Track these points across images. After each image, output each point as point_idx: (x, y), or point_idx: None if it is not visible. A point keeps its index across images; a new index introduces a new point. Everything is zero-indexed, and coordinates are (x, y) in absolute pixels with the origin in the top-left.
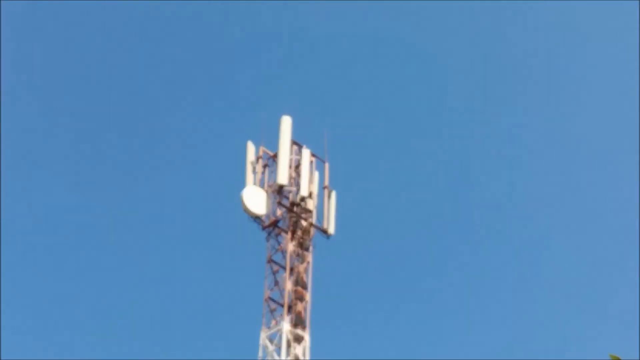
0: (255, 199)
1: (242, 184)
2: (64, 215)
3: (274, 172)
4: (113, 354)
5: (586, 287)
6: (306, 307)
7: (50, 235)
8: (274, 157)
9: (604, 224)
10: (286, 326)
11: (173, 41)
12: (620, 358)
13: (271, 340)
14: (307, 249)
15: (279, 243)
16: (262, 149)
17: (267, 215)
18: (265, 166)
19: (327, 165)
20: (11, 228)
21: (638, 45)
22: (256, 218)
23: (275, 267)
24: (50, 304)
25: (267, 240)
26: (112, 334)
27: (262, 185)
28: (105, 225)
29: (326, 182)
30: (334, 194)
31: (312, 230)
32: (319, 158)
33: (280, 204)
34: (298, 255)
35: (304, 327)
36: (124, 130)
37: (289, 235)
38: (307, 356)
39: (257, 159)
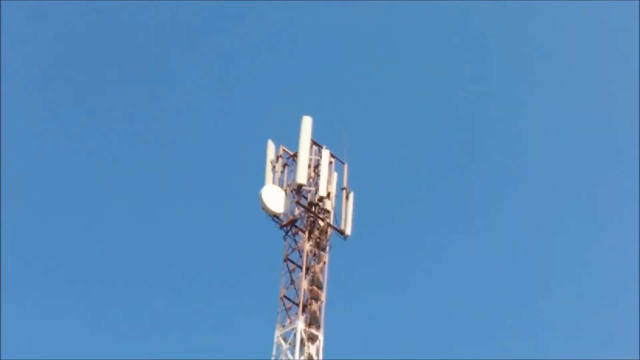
0: (274, 198)
1: (261, 183)
2: (71, 216)
3: (293, 172)
4: (123, 353)
5: (587, 286)
6: (321, 306)
7: (51, 234)
8: (294, 156)
9: (605, 222)
10: (301, 325)
11: (197, 39)
12: None
13: (285, 339)
14: (323, 249)
15: (296, 242)
16: (282, 148)
17: (285, 214)
18: (284, 165)
19: (346, 166)
20: (11, 228)
21: (638, 45)
22: (274, 216)
23: (292, 266)
24: (50, 303)
25: (285, 239)
26: (121, 332)
27: (281, 184)
28: (115, 220)
29: (344, 184)
30: (352, 196)
31: (329, 231)
32: (338, 159)
33: (298, 203)
34: (314, 255)
35: (318, 327)
36: (142, 129)
37: (306, 234)
38: (321, 356)
39: (277, 157)
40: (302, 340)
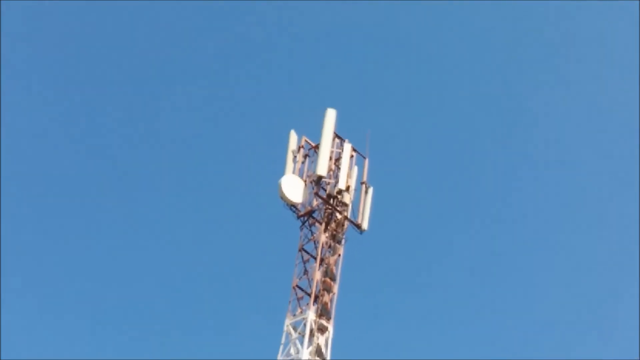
0: (293, 187)
1: (282, 172)
2: (74, 216)
3: (314, 163)
4: (125, 351)
5: (587, 286)
6: (333, 298)
7: (54, 234)
8: (316, 148)
9: (605, 222)
10: (311, 315)
11: (221, 31)
12: None
13: (295, 328)
14: (339, 242)
15: (312, 233)
16: (304, 138)
17: (303, 205)
18: (306, 156)
19: (367, 161)
20: (11, 228)
21: (638, 45)
22: (292, 206)
23: (306, 257)
24: (50, 303)
25: (301, 229)
26: (122, 330)
27: (301, 175)
28: (121, 216)
29: (364, 178)
30: (371, 190)
31: (346, 224)
32: (359, 153)
33: (317, 194)
34: (330, 247)
35: (328, 318)
36: (147, 127)
37: (323, 226)
38: (329, 347)
39: (299, 148)
40: (311, 330)
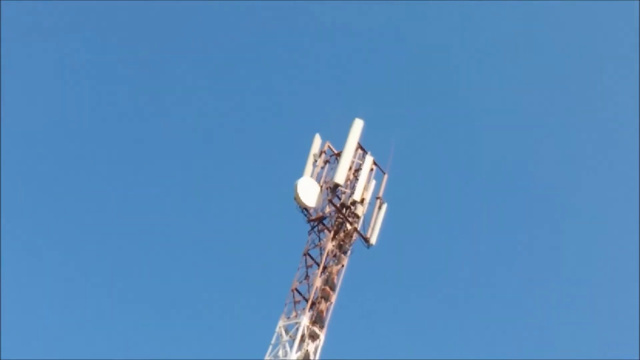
0: (308, 191)
1: (300, 174)
2: (74, 216)
3: (333, 170)
4: (127, 349)
5: (587, 286)
6: (329, 308)
7: (52, 233)
8: (337, 155)
9: (605, 222)
10: (305, 321)
11: (260, 35)
12: None
13: (287, 331)
14: (345, 253)
15: (319, 239)
16: (327, 144)
17: (315, 210)
18: (326, 162)
19: (386, 176)
20: (11, 227)
21: (638, 45)
22: (304, 209)
23: (310, 262)
24: (51, 303)
25: (309, 233)
26: (122, 327)
27: (318, 180)
28: (120, 208)
29: (380, 193)
30: (384, 207)
31: (355, 236)
32: (380, 168)
33: (331, 202)
34: (335, 255)
35: (321, 327)
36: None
37: (332, 234)
38: (318, 355)
39: (321, 153)
40: (303, 336)
